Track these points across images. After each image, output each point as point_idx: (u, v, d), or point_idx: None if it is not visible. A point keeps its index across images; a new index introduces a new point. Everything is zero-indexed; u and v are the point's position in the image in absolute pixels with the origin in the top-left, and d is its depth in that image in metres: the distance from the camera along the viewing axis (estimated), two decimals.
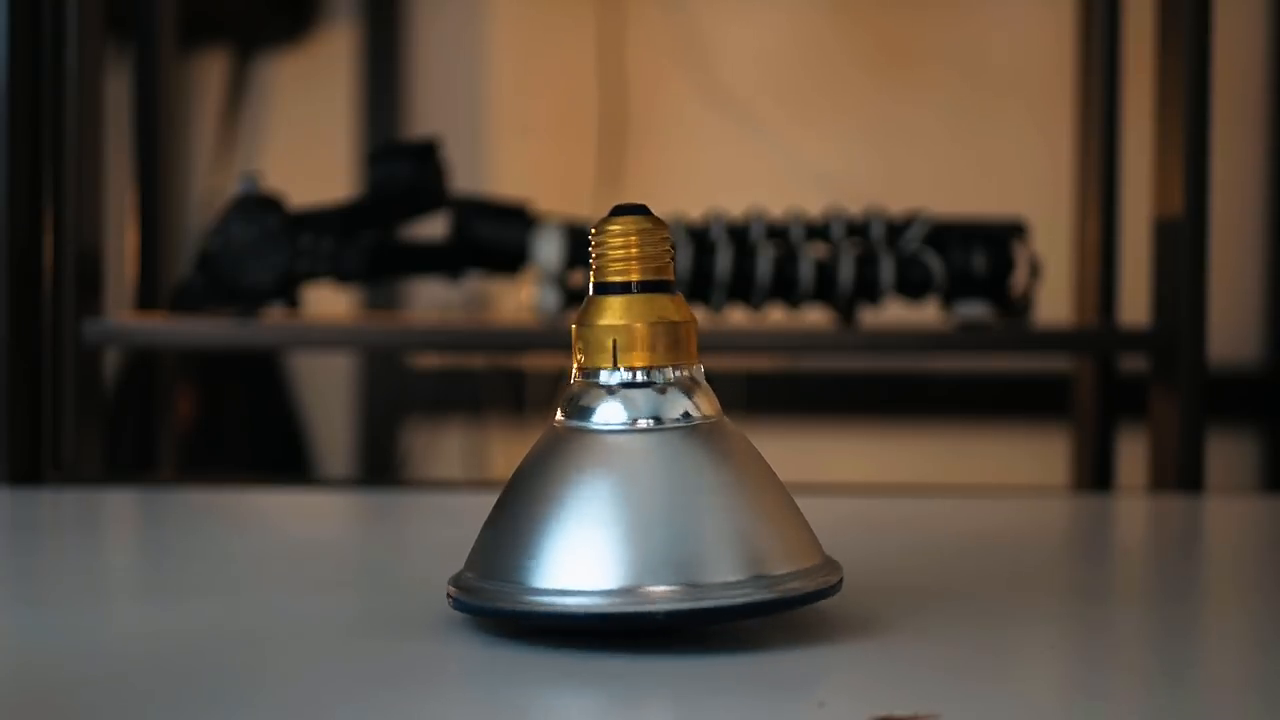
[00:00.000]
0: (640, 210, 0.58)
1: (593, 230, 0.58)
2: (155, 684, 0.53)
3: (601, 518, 0.55)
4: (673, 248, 0.59)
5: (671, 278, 0.58)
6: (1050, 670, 0.59)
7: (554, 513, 0.56)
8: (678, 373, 0.58)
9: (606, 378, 0.57)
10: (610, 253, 0.58)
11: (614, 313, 0.57)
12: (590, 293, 0.58)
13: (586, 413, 0.57)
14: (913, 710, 0.49)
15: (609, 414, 0.57)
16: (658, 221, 0.58)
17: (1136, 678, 0.56)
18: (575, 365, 0.58)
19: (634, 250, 0.57)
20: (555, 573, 0.55)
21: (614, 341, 0.57)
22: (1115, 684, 0.54)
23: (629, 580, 0.54)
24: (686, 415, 0.57)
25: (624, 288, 0.57)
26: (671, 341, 0.57)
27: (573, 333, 0.58)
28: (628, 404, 0.57)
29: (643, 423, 0.57)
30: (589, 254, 0.59)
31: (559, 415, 0.58)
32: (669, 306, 0.58)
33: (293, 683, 0.53)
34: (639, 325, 0.57)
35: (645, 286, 0.58)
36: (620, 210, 0.58)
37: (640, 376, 0.57)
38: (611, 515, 0.55)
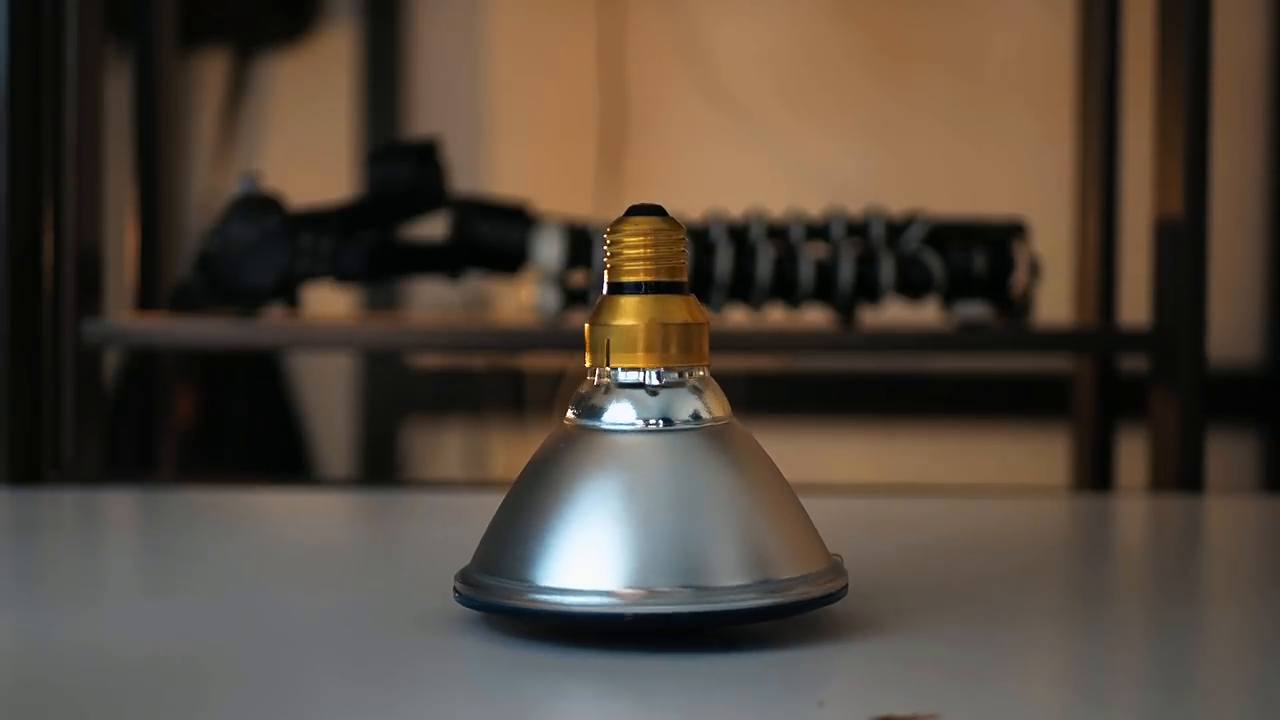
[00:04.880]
0: (656, 211, 0.58)
1: (608, 230, 0.59)
2: (155, 684, 0.53)
3: (609, 517, 0.55)
4: (686, 249, 0.59)
5: (685, 279, 0.58)
6: (1050, 670, 0.59)
7: (562, 511, 0.56)
8: (688, 374, 0.58)
9: (617, 377, 0.58)
10: (625, 253, 0.58)
11: (626, 313, 0.58)
12: (604, 292, 0.59)
13: (597, 412, 0.58)
14: (913, 710, 0.49)
15: (619, 414, 0.57)
16: (673, 223, 0.58)
17: (1136, 678, 0.56)
18: (587, 364, 0.59)
19: (648, 251, 0.58)
20: (561, 571, 0.55)
21: (625, 341, 0.57)
22: (1115, 684, 0.54)
23: (635, 581, 0.54)
24: (696, 416, 0.57)
25: (637, 288, 0.58)
26: (683, 343, 0.58)
27: (585, 331, 0.59)
28: (638, 404, 0.57)
29: (653, 423, 0.57)
30: (603, 253, 0.59)
31: (570, 413, 0.59)
32: (681, 308, 0.58)
33: (294, 682, 0.53)
34: (651, 326, 0.57)
35: (658, 288, 0.58)
36: (636, 210, 0.58)
37: (651, 377, 0.57)
38: (619, 515, 0.55)
